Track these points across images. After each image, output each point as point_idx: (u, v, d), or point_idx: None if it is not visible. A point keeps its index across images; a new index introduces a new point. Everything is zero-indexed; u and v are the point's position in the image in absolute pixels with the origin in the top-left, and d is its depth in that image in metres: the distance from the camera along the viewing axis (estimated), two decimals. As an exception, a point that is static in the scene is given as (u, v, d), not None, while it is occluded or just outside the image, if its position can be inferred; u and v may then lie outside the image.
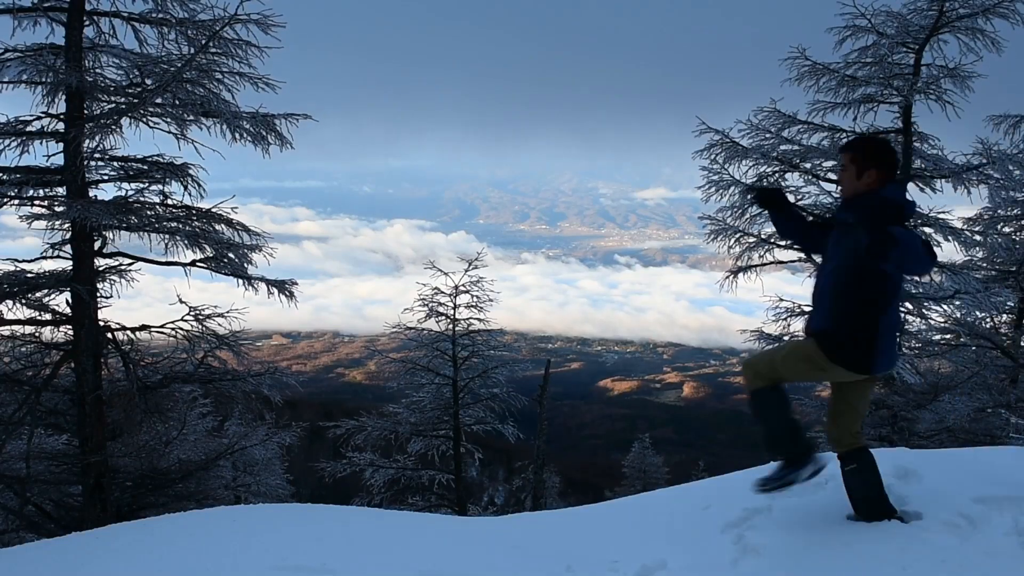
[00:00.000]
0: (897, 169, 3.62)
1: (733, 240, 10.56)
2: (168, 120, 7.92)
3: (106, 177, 8.26)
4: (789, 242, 3.85)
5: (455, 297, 12.96)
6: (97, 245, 8.13)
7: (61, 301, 8.14)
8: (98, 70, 7.98)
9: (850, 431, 3.83)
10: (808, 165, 10.34)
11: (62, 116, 7.70)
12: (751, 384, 3.76)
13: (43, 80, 7.54)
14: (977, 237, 10.14)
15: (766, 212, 3.64)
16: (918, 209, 9.88)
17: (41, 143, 7.72)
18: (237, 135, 8.04)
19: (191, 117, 7.89)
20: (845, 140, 3.76)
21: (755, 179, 10.27)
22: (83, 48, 7.69)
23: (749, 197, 3.59)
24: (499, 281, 13.60)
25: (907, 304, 10.34)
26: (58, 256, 8.11)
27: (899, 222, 3.51)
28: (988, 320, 13.16)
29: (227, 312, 8.66)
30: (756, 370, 3.76)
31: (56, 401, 8.72)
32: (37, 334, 8.26)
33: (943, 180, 9.91)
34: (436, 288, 12.96)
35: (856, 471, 3.84)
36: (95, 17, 7.82)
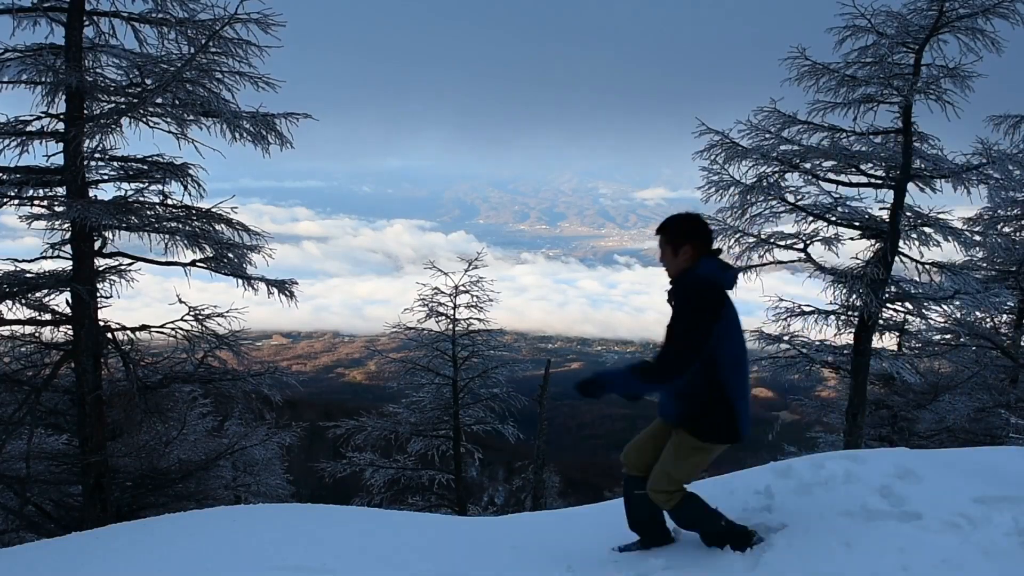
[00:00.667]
0: (710, 240, 3.69)
1: (733, 240, 10.55)
2: (168, 120, 7.92)
3: (106, 177, 8.26)
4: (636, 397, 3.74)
5: (455, 297, 12.97)
6: (97, 245, 8.13)
7: (61, 301, 8.15)
8: (98, 70, 7.98)
9: (680, 488, 3.87)
10: (808, 165, 10.32)
11: (62, 116, 7.70)
12: (666, 505, 3.81)
13: (43, 80, 7.54)
14: (977, 237, 10.13)
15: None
16: (917, 209, 9.90)
17: (41, 143, 7.72)
18: (237, 135, 8.03)
19: (191, 117, 7.89)
20: (661, 223, 3.84)
21: (755, 179, 10.26)
22: (83, 48, 7.69)
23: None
24: (498, 281, 13.60)
25: (907, 304, 10.33)
26: (58, 256, 8.10)
27: (700, 299, 3.54)
28: (988, 320, 13.17)
29: (227, 312, 8.66)
30: (662, 490, 3.77)
31: (56, 401, 8.72)
32: (37, 334, 8.25)
33: (943, 180, 9.90)
34: (436, 288, 12.97)
35: (685, 514, 3.90)
36: (95, 17, 7.82)
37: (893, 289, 10.24)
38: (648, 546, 4.02)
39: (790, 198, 10.26)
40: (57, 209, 7.80)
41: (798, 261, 10.55)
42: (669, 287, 3.76)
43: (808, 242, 10.32)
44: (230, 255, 8.37)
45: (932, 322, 11.35)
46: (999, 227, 13.13)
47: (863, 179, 10.32)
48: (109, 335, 8.31)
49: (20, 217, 7.87)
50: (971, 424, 12.56)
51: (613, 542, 4.25)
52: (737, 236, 10.53)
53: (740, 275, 3.80)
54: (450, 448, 13.01)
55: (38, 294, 8.01)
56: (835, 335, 10.69)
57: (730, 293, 3.68)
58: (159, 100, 7.72)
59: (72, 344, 8.08)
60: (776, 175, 10.29)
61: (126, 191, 8.19)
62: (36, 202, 7.87)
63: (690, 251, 3.65)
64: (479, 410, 13.38)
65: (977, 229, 10.51)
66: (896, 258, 10.02)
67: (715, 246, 3.72)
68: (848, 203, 10.10)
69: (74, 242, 7.94)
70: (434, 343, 13.07)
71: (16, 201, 7.76)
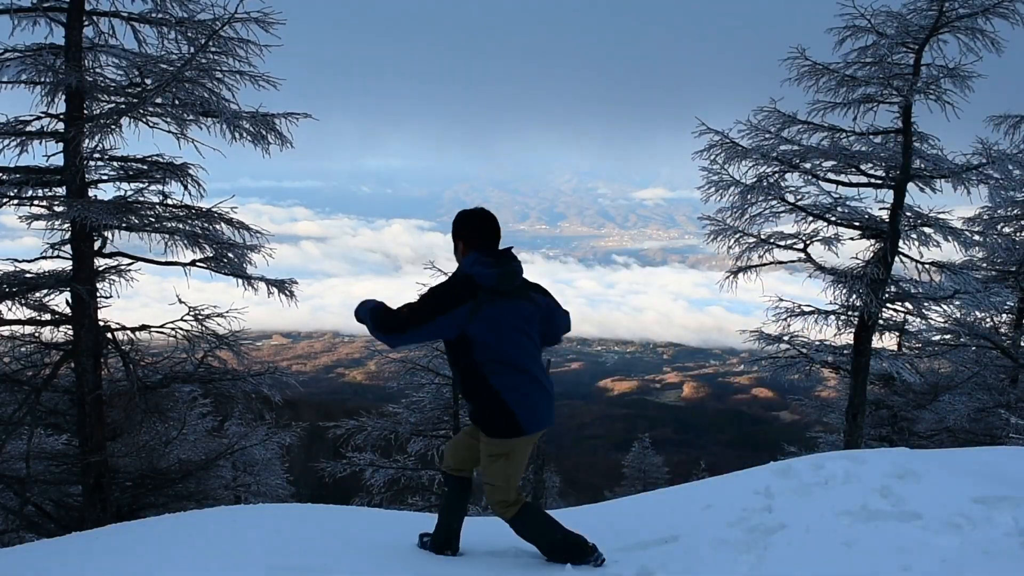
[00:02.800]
0: (479, 235, 3.63)
1: (733, 240, 10.55)
2: (168, 120, 7.91)
3: (106, 177, 8.25)
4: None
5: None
6: (97, 245, 8.12)
7: (61, 301, 8.14)
8: (98, 70, 7.98)
9: (517, 496, 3.83)
10: (808, 165, 10.33)
11: (62, 116, 7.69)
12: (505, 515, 3.79)
13: (43, 80, 7.53)
14: (977, 237, 10.13)
15: None
16: (917, 209, 9.88)
17: (41, 143, 7.71)
18: (237, 134, 8.03)
19: (191, 117, 7.88)
20: None
21: (755, 179, 10.27)
22: (83, 48, 7.68)
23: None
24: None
25: (907, 304, 10.34)
26: (58, 256, 8.10)
27: (464, 292, 3.50)
28: (988, 320, 13.17)
29: (227, 312, 8.66)
30: (499, 499, 3.77)
31: (56, 401, 8.72)
32: (37, 334, 8.25)
33: (943, 180, 9.91)
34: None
35: (525, 525, 3.84)
36: (94, 17, 7.81)
37: (893, 289, 10.24)
38: (561, 560, 3.85)
39: (790, 198, 10.26)
40: (57, 209, 7.79)
41: (798, 261, 10.56)
42: None
43: (808, 242, 10.32)
44: (230, 255, 8.37)
45: (932, 322, 11.36)
46: (999, 227, 13.13)
47: (863, 179, 10.33)
48: (109, 335, 8.30)
49: (20, 217, 7.86)
50: (971, 424, 12.57)
51: (612, 542, 4.25)
52: (737, 236, 10.53)
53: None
54: (450, 448, 13.00)
55: (38, 294, 8.00)
56: (835, 335, 10.70)
57: (512, 294, 3.60)
58: (159, 100, 7.71)
59: (72, 344, 8.08)
60: (776, 175, 10.29)
61: (126, 191, 8.18)
62: (36, 202, 7.86)
63: (462, 247, 3.67)
64: (479, 410, 13.37)
65: (977, 229, 10.51)
66: (896, 258, 10.03)
67: (501, 245, 3.67)
68: (848, 203, 10.10)
69: (74, 242, 7.93)
70: (434, 343, 13.07)
71: (16, 201, 7.75)
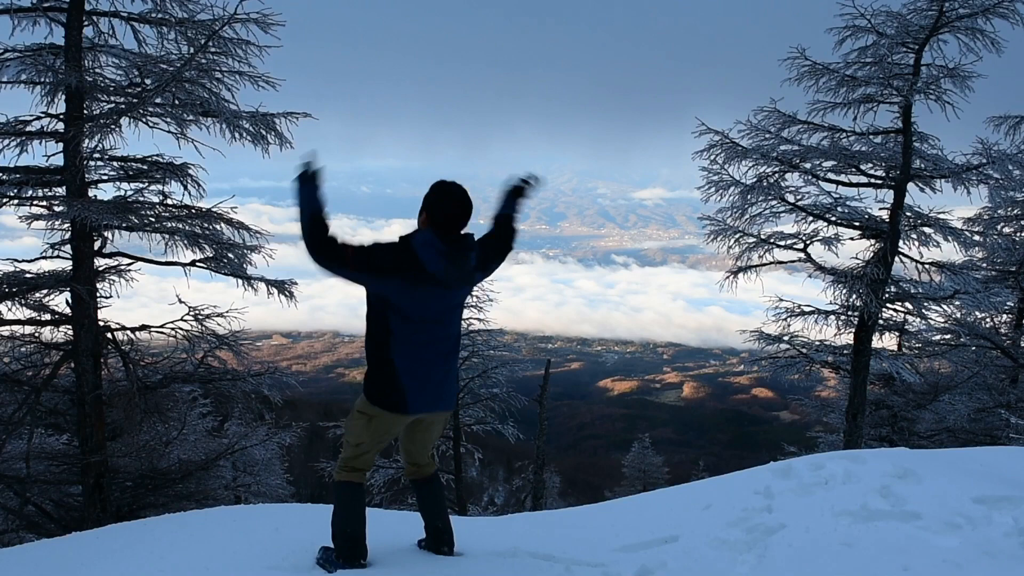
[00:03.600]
0: (443, 214, 3.41)
1: (733, 240, 10.55)
2: (168, 120, 7.91)
3: (106, 177, 8.25)
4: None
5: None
6: (97, 245, 8.12)
7: (61, 301, 8.13)
8: (97, 70, 7.98)
9: (422, 461, 3.98)
10: (808, 165, 10.33)
11: (62, 116, 7.69)
12: (338, 475, 3.76)
13: (42, 80, 7.53)
14: (977, 237, 10.13)
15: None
16: (917, 209, 9.89)
17: (41, 143, 7.71)
18: (237, 134, 8.03)
19: (191, 117, 7.88)
20: None
21: (755, 179, 10.27)
22: (83, 48, 7.68)
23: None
24: (496, 281, 13.60)
25: (907, 304, 10.34)
26: (58, 256, 8.10)
27: (401, 260, 3.36)
28: (988, 320, 13.17)
29: (227, 312, 8.66)
30: (343, 456, 3.74)
31: (56, 401, 8.71)
32: (37, 334, 8.24)
33: (943, 180, 9.91)
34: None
35: (343, 498, 3.78)
36: (94, 17, 7.81)
37: (893, 289, 10.24)
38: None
39: (790, 198, 10.27)
40: (57, 209, 7.79)
41: (798, 261, 10.56)
42: None
43: (808, 242, 10.32)
44: (230, 255, 8.37)
45: (932, 322, 11.36)
46: (999, 227, 13.13)
47: (863, 179, 10.33)
48: (109, 335, 8.30)
49: (20, 217, 7.86)
50: (971, 424, 12.57)
51: (613, 542, 4.25)
52: (737, 236, 10.54)
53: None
54: (450, 448, 13.01)
55: (38, 294, 8.00)
56: (835, 335, 10.71)
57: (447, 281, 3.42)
58: (159, 100, 7.71)
59: (72, 344, 8.08)
60: (776, 175, 10.30)
61: (126, 191, 8.18)
62: (36, 202, 7.86)
63: (424, 218, 3.47)
64: (479, 410, 13.38)
65: (977, 229, 10.51)
66: (896, 258, 10.03)
67: (465, 230, 3.46)
68: (848, 203, 10.11)
69: (74, 242, 7.93)
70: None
71: (16, 201, 7.75)
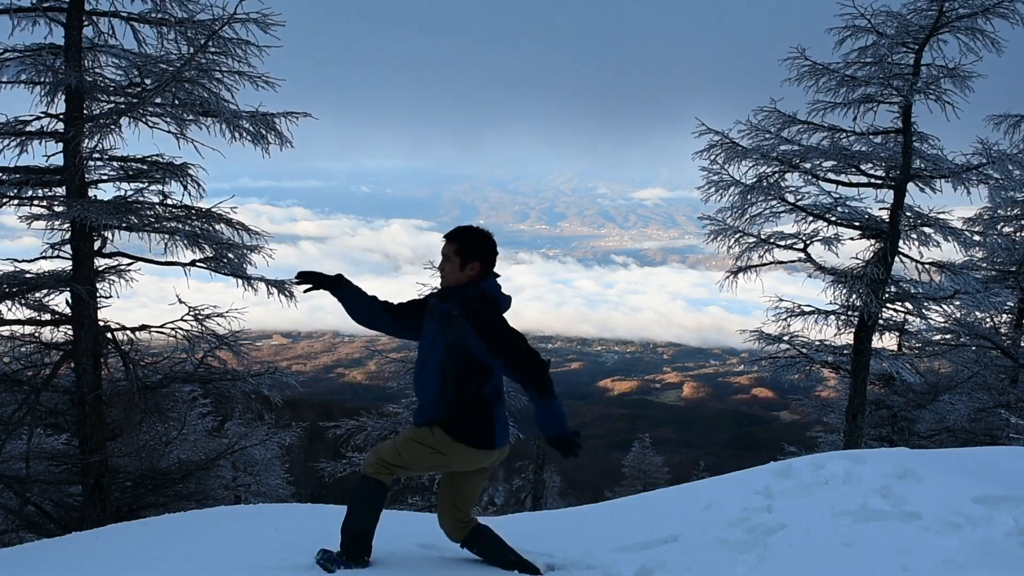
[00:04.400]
0: (495, 262, 3.68)
1: (733, 240, 10.55)
2: (168, 120, 7.90)
3: (106, 177, 8.25)
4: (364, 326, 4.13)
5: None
6: (97, 245, 8.12)
7: (61, 301, 8.13)
8: (97, 70, 7.97)
9: (462, 520, 3.87)
10: (808, 165, 10.33)
11: (61, 116, 7.69)
12: (370, 469, 3.76)
13: (42, 80, 7.53)
14: (977, 237, 10.14)
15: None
16: (917, 209, 9.90)
17: (41, 143, 7.71)
18: (237, 134, 8.03)
19: (191, 117, 7.88)
20: (451, 231, 3.76)
21: (755, 179, 10.27)
22: (83, 48, 7.68)
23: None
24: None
25: (907, 304, 10.34)
26: (58, 256, 8.10)
27: (498, 316, 3.62)
28: (988, 320, 13.17)
29: (227, 312, 8.66)
30: (381, 456, 3.76)
31: (56, 401, 8.71)
32: (37, 334, 8.24)
33: (943, 180, 9.91)
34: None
35: (483, 548, 3.89)
36: (94, 17, 7.81)
37: (893, 289, 10.25)
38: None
39: (790, 198, 10.27)
40: (57, 209, 7.79)
41: (798, 261, 10.56)
42: (439, 294, 3.77)
43: (808, 242, 10.33)
44: (230, 255, 8.36)
45: (932, 322, 11.36)
46: (999, 227, 13.13)
47: (863, 179, 10.33)
48: (109, 335, 8.30)
49: (20, 217, 7.86)
50: (971, 424, 12.57)
51: (613, 542, 4.25)
52: (737, 236, 10.54)
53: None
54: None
55: (38, 294, 8.00)
56: (835, 335, 10.71)
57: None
58: (158, 100, 7.71)
59: (72, 344, 8.08)
60: (776, 175, 10.30)
61: (126, 191, 8.18)
62: (36, 202, 7.86)
63: (477, 268, 3.63)
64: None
65: (977, 229, 10.51)
66: (896, 258, 10.03)
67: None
68: (848, 203, 10.11)
69: (74, 242, 7.93)
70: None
71: (16, 201, 7.75)
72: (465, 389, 3.63)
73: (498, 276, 3.72)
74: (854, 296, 10.00)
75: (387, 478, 3.76)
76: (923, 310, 10.26)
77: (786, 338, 10.89)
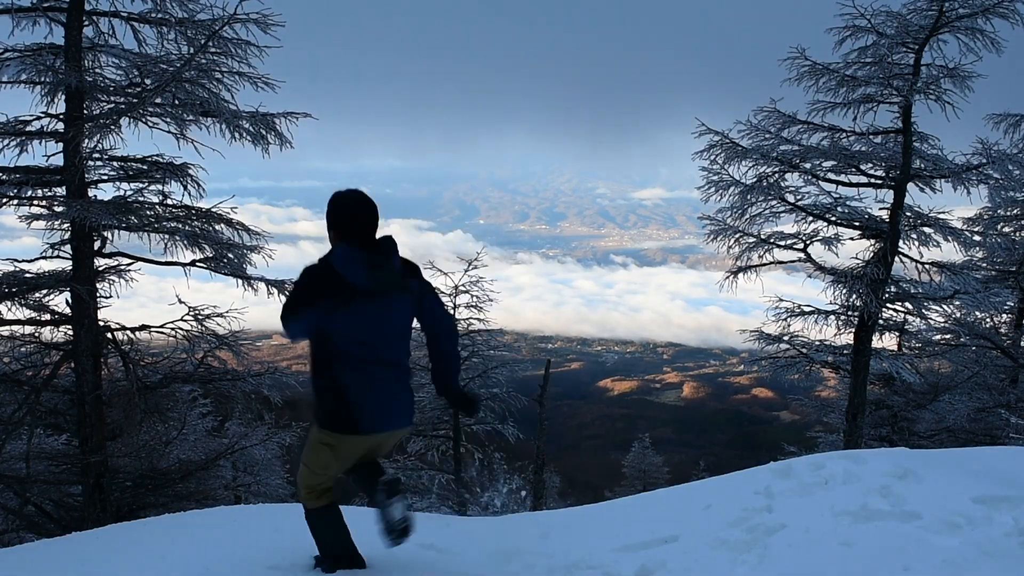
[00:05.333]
0: (352, 224, 3.31)
1: (733, 240, 10.56)
2: (168, 120, 7.91)
3: (105, 177, 8.25)
4: None
5: (455, 297, 12.97)
6: (97, 245, 8.12)
7: (61, 301, 8.14)
8: (97, 70, 7.98)
9: (329, 487, 3.68)
10: (808, 165, 10.34)
11: (61, 116, 7.69)
12: (309, 503, 3.62)
13: (42, 80, 7.53)
14: (977, 237, 10.14)
15: None
16: (917, 209, 9.88)
17: (41, 143, 7.71)
18: (237, 134, 8.03)
19: (191, 117, 7.89)
20: None
21: (755, 179, 10.27)
22: (82, 48, 7.68)
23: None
24: (495, 281, 13.61)
25: (907, 304, 10.34)
26: (58, 256, 8.10)
27: (322, 286, 3.26)
28: (988, 320, 13.17)
29: (226, 312, 8.66)
30: (303, 483, 3.60)
31: (56, 401, 8.71)
32: (37, 334, 8.24)
33: (943, 180, 9.91)
34: (436, 288, 12.95)
35: (320, 522, 3.71)
36: (94, 17, 7.81)
37: (893, 289, 10.25)
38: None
39: (790, 198, 10.27)
40: (57, 209, 7.79)
41: (798, 261, 10.56)
42: None
43: (808, 242, 10.33)
44: (230, 255, 8.37)
45: (932, 322, 11.37)
46: (999, 227, 13.13)
47: (863, 179, 10.34)
48: (109, 335, 8.30)
49: (20, 217, 7.86)
50: (971, 424, 12.56)
51: (613, 542, 4.25)
52: (737, 236, 10.54)
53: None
54: (450, 448, 13.01)
55: (38, 294, 8.00)
56: (835, 335, 10.71)
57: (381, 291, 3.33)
58: (158, 100, 7.71)
59: (72, 344, 8.08)
60: (776, 175, 10.30)
61: (126, 191, 8.19)
62: (36, 202, 7.86)
63: (333, 236, 3.36)
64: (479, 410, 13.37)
65: (977, 229, 10.52)
66: (896, 258, 10.03)
67: (379, 234, 3.37)
68: (848, 203, 10.11)
69: (74, 242, 7.93)
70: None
71: (16, 201, 7.75)
72: (314, 369, 3.42)
73: (367, 238, 3.32)
74: (854, 296, 10.01)
75: (327, 497, 3.64)
76: (923, 310, 10.26)
77: (786, 338, 10.90)
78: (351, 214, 3.32)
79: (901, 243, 9.95)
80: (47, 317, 8.14)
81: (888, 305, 10.35)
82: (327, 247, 3.43)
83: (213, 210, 8.29)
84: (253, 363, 9.41)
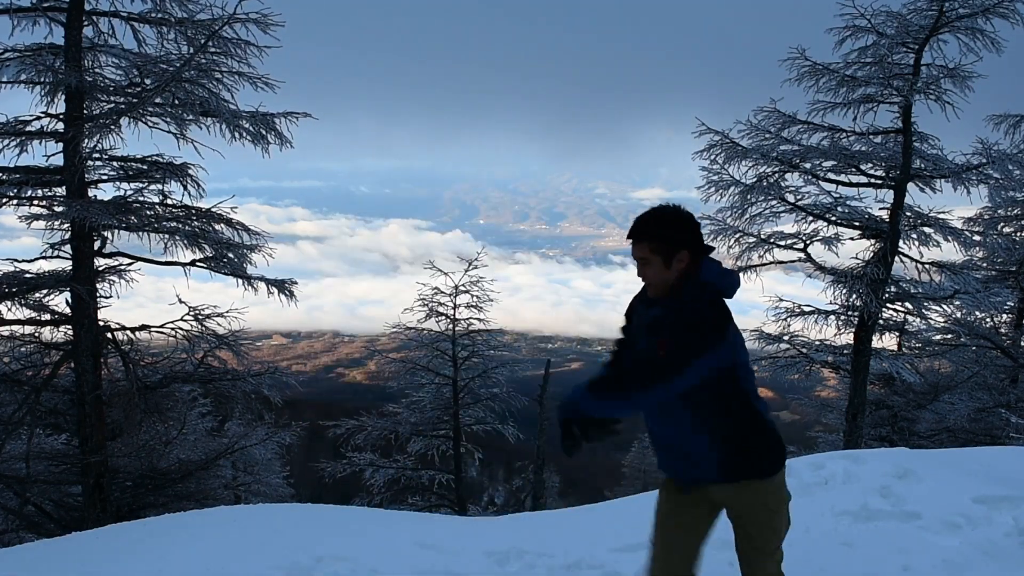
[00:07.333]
0: (701, 237, 2.71)
1: (733, 240, 10.56)
2: (167, 120, 7.91)
3: (106, 177, 8.26)
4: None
5: (455, 297, 12.96)
6: (97, 245, 8.12)
7: (61, 301, 8.14)
8: (97, 70, 7.98)
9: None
10: (808, 165, 10.33)
11: (61, 116, 7.69)
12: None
13: (43, 80, 7.53)
14: (977, 237, 10.13)
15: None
16: (917, 209, 9.90)
17: (41, 143, 7.72)
18: (236, 134, 8.03)
19: (190, 117, 7.89)
20: (633, 226, 2.70)
21: (755, 179, 10.27)
22: (82, 48, 7.68)
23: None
24: (495, 281, 13.62)
25: (907, 304, 10.34)
26: (58, 256, 8.10)
27: (725, 312, 2.67)
28: (988, 320, 13.17)
29: (226, 312, 8.67)
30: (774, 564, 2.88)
31: (56, 401, 8.72)
32: (37, 334, 8.25)
33: (943, 180, 9.91)
34: (436, 288, 12.97)
35: None
36: (94, 17, 7.81)
37: (893, 289, 10.25)
38: None
39: (790, 198, 10.27)
40: (57, 209, 7.80)
41: (798, 261, 10.56)
42: (652, 310, 2.72)
43: (808, 242, 10.33)
44: (230, 255, 8.37)
45: (932, 322, 11.36)
46: (999, 227, 13.13)
47: (863, 179, 10.33)
48: (109, 335, 8.30)
49: (20, 217, 7.87)
50: (971, 424, 12.56)
51: (613, 542, 4.25)
52: (737, 236, 10.54)
53: (740, 275, 2.94)
54: (450, 448, 13.01)
55: (38, 294, 8.00)
56: (835, 335, 10.71)
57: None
58: (158, 100, 7.71)
59: (72, 344, 8.08)
60: (776, 175, 10.30)
61: (126, 191, 8.19)
62: (36, 202, 7.87)
63: (687, 256, 2.64)
64: (479, 410, 13.37)
65: (977, 229, 10.51)
66: (896, 258, 10.03)
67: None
68: (848, 203, 10.11)
69: (74, 242, 7.94)
70: (434, 343, 13.07)
71: (16, 201, 7.75)
72: (732, 415, 2.68)
73: (710, 251, 2.74)
74: (854, 296, 10.00)
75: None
76: (923, 310, 10.26)
77: (786, 338, 10.90)
78: (696, 225, 2.70)
79: (901, 243, 9.95)
80: (47, 317, 8.14)
81: (888, 305, 10.35)
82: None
83: (213, 210, 8.29)
84: (253, 363, 9.42)
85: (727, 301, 2.71)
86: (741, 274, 11.20)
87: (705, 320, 2.59)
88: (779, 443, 2.75)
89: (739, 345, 2.65)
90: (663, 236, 2.63)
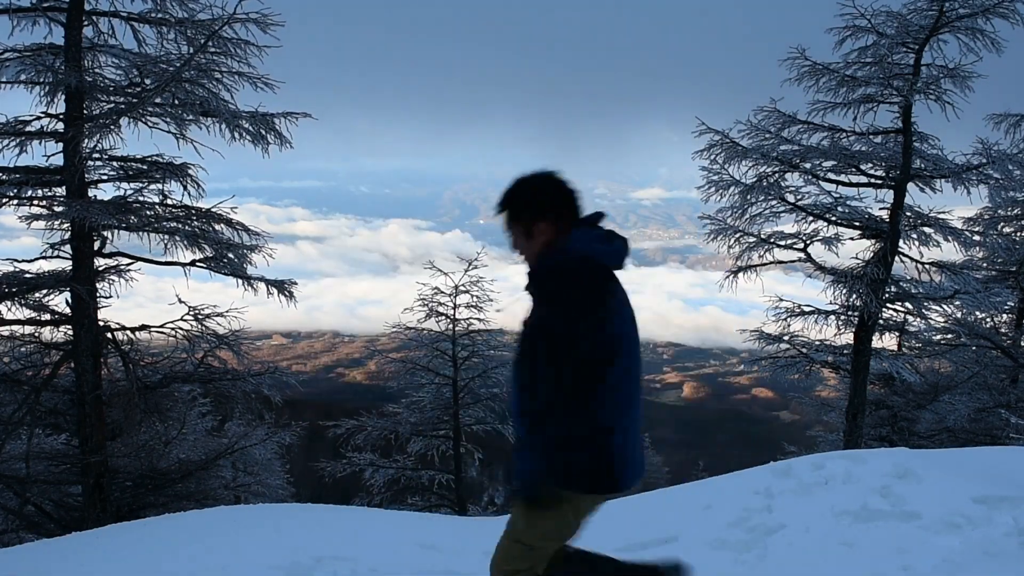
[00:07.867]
0: (571, 203, 2.51)
1: (733, 240, 10.56)
2: (167, 120, 7.92)
3: (105, 177, 8.26)
4: None
5: (455, 297, 12.96)
6: (97, 245, 8.13)
7: (61, 301, 8.15)
8: (97, 70, 7.98)
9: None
10: (808, 165, 10.33)
11: (61, 116, 7.69)
12: None
13: (42, 80, 7.53)
14: (977, 237, 10.14)
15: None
16: (917, 209, 9.89)
17: (40, 143, 7.72)
18: (236, 134, 8.04)
19: (190, 117, 7.89)
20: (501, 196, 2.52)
21: (755, 179, 10.27)
22: (82, 48, 7.68)
23: None
24: (495, 281, 13.60)
25: (907, 304, 10.34)
26: (58, 256, 8.10)
27: (600, 283, 2.42)
28: (988, 320, 13.17)
29: (226, 312, 8.67)
30: (510, 571, 2.73)
31: (56, 401, 8.72)
32: (37, 334, 8.25)
33: (943, 180, 9.91)
34: (436, 288, 12.96)
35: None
36: (94, 17, 7.81)
37: (893, 289, 10.24)
38: None
39: (790, 198, 10.27)
40: (57, 209, 7.80)
41: (798, 261, 10.56)
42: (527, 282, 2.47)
43: (808, 242, 10.33)
44: (230, 255, 8.37)
45: (932, 322, 11.36)
46: (999, 227, 13.12)
47: (863, 179, 10.33)
48: (109, 335, 8.30)
49: (20, 217, 7.87)
50: (971, 424, 12.56)
51: (612, 542, 4.24)
52: (737, 236, 10.54)
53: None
54: (450, 448, 13.00)
55: (38, 294, 8.01)
56: (835, 335, 10.71)
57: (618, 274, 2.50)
58: (158, 100, 7.72)
59: (72, 344, 8.08)
60: (776, 175, 10.30)
61: (126, 191, 8.19)
62: (36, 202, 7.87)
63: (546, 227, 2.47)
64: (479, 410, 13.37)
65: (977, 229, 10.51)
66: (896, 258, 10.03)
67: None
68: (848, 203, 10.11)
69: (74, 242, 7.94)
70: (434, 343, 13.06)
71: (16, 201, 7.76)
72: (561, 405, 2.45)
73: (596, 220, 2.57)
74: (854, 296, 10.00)
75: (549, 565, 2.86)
76: (923, 310, 10.26)
77: (786, 338, 10.90)
78: (559, 187, 2.53)
79: (901, 243, 9.95)
80: (47, 317, 8.14)
81: (888, 305, 10.35)
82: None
83: (213, 210, 8.29)
84: (253, 363, 9.43)
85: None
86: (741, 274, 11.21)
87: (558, 292, 2.35)
88: (597, 456, 2.48)
89: (621, 329, 2.38)
90: (517, 206, 2.48)
